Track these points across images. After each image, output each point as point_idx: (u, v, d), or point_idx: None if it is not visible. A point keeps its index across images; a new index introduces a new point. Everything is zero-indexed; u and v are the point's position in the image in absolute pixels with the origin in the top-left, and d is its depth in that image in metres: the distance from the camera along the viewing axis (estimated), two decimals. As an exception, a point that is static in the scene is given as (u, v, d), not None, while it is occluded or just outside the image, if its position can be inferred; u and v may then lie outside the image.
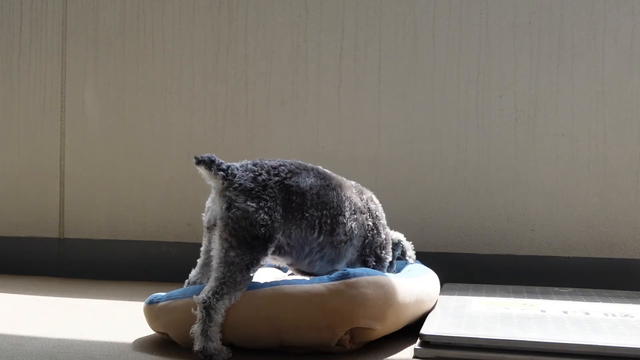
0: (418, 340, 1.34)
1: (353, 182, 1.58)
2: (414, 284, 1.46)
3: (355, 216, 1.46)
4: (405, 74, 2.19)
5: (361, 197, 1.52)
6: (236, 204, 1.30)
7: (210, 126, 2.33)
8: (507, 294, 1.78)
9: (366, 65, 2.22)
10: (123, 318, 1.68)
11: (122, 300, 1.94)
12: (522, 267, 2.08)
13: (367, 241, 1.49)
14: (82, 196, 2.44)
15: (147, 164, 2.39)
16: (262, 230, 1.29)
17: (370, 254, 1.50)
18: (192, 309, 1.28)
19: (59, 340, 1.45)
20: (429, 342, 1.32)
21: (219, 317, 1.27)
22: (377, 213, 1.54)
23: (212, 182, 1.36)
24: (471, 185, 2.13)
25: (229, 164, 1.35)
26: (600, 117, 2.07)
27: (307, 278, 1.40)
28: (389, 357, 1.33)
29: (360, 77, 2.22)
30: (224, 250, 1.30)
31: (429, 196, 2.16)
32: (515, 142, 2.11)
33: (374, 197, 1.59)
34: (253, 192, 1.31)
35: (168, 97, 2.38)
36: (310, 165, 1.46)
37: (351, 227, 1.44)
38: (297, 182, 1.36)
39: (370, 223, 1.51)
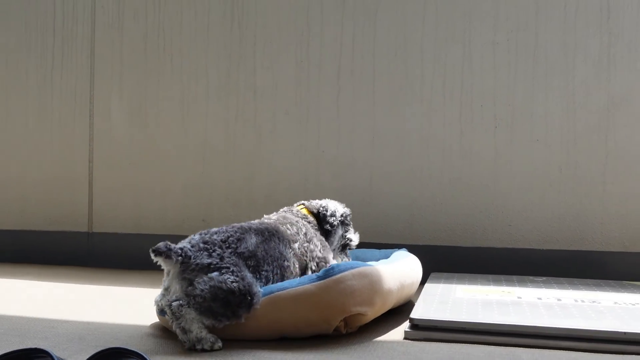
0: (408, 323, 1.33)
1: (275, 216, 1.52)
2: (396, 270, 1.46)
3: (293, 252, 1.42)
4: (397, 86, 2.19)
5: (287, 227, 1.46)
6: (197, 278, 1.22)
7: (222, 133, 2.33)
8: (488, 283, 1.78)
9: (362, 77, 2.21)
10: (145, 304, 1.68)
11: (144, 287, 1.94)
12: (500, 259, 2.07)
13: (306, 260, 1.45)
14: (108, 195, 2.44)
15: (166, 166, 2.39)
16: (235, 285, 1.21)
17: (312, 261, 1.46)
18: (165, 315, 1.25)
19: (88, 323, 1.45)
20: (418, 325, 1.32)
21: (185, 315, 1.20)
22: (303, 230, 1.49)
23: (167, 267, 1.27)
24: (455, 185, 2.13)
25: (181, 245, 1.26)
26: (571, 125, 2.06)
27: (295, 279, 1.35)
28: (381, 338, 1.32)
29: (356, 89, 2.22)
30: (198, 302, 1.21)
31: (417, 195, 2.15)
32: (495, 147, 2.11)
33: (294, 218, 1.54)
34: (212, 265, 1.23)
35: (185, 107, 2.38)
36: (245, 224, 1.39)
37: (293, 264, 1.40)
38: (247, 247, 1.31)
39: (305, 243, 1.47)
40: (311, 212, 1.62)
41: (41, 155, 2.51)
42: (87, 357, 0.87)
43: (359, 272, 1.31)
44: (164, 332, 1.37)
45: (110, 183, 2.44)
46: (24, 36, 2.54)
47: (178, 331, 1.22)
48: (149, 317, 1.51)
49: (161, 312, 1.33)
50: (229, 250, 1.27)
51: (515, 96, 2.10)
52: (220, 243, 1.28)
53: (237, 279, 1.22)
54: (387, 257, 1.68)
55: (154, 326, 1.43)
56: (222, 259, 1.25)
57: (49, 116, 2.51)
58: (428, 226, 2.14)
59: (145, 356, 0.87)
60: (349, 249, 1.68)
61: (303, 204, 1.66)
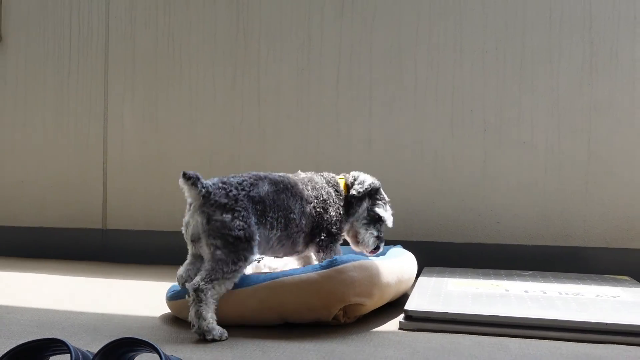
0: (402, 315, 1.34)
1: (304, 175, 1.52)
2: (394, 265, 1.46)
3: (302, 209, 1.43)
4: (392, 92, 2.19)
5: (307, 188, 1.47)
6: (214, 217, 1.29)
7: (228, 136, 2.34)
8: (477, 276, 1.78)
9: (359, 84, 2.22)
10: (155, 296, 1.68)
11: (155, 281, 1.94)
12: (489, 254, 2.08)
13: (315, 224, 1.46)
14: (121, 194, 2.44)
15: (175, 167, 2.39)
16: (241, 232, 1.28)
17: (322, 231, 1.46)
18: (186, 296, 1.26)
19: (102, 314, 1.45)
20: (412, 316, 1.32)
21: (208, 299, 1.23)
22: (323, 197, 1.48)
23: (190, 198, 1.33)
24: (447, 185, 2.13)
25: (204, 181, 1.31)
26: (555, 128, 2.07)
27: (295, 267, 1.37)
28: (378, 329, 1.33)
29: (354, 94, 2.22)
30: (211, 252, 1.28)
31: (412, 194, 2.16)
32: (484, 149, 2.11)
33: (323, 182, 1.52)
34: (227, 205, 1.30)
35: (193, 111, 2.38)
36: (262, 173, 1.43)
37: (300, 219, 1.42)
38: (257, 192, 1.36)
39: (320, 209, 1.47)
40: (345, 184, 1.57)
41: (58, 157, 2.52)
42: (101, 346, 0.87)
43: (360, 265, 1.32)
44: (174, 323, 1.37)
45: (123, 184, 2.44)
46: (42, 43, 2.54)
47: (192, 314, 1.23)
48: (160, 308, 1.51)
49: (183, 287, 1.33)
50: (243, 193, 1.33)
51: (503, 101, 2.10)
52: (237, 185, 1.34)
53: (245, 225, 1.29)
54: (383, 253, 1.68)
55: (164, 317, 1.43)
56: (236, 201, 1.31)
57: (65, 120, 2.51)
58: (421, 224, 2.15)
59: (155, 346, 0.87)
60: (381, 224, 1.56)
61: (344, 176, 1.59)
